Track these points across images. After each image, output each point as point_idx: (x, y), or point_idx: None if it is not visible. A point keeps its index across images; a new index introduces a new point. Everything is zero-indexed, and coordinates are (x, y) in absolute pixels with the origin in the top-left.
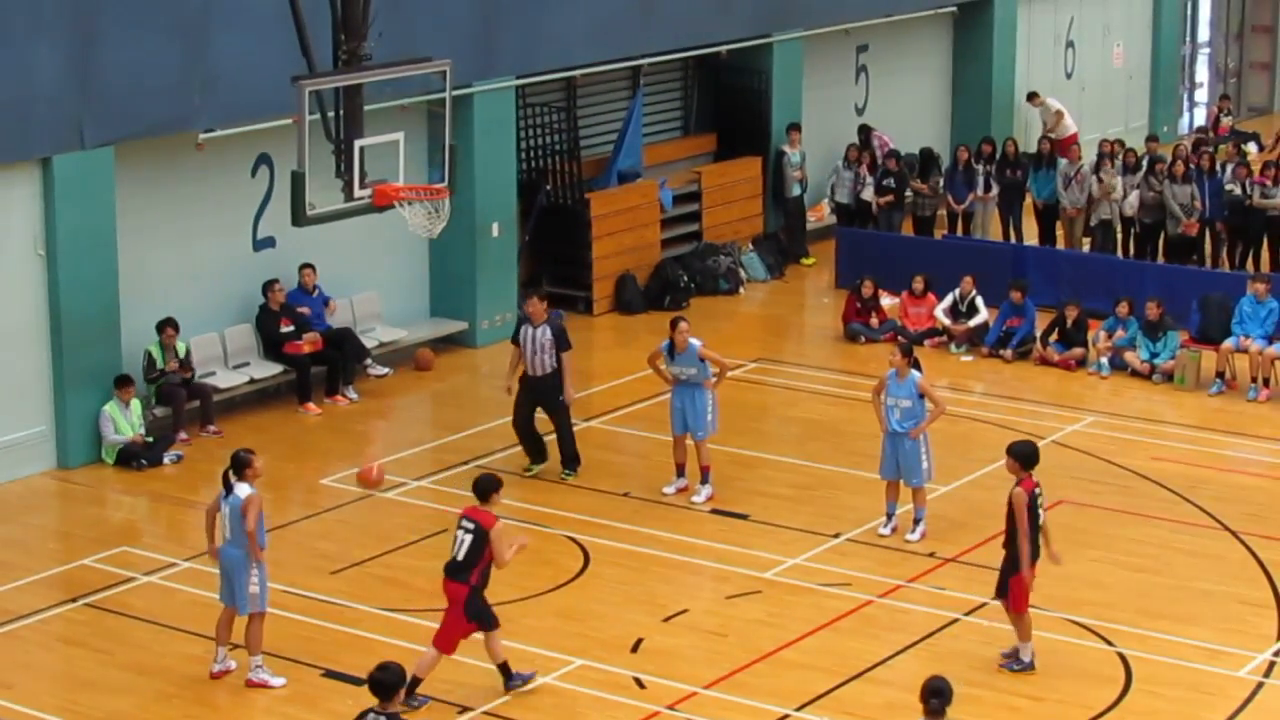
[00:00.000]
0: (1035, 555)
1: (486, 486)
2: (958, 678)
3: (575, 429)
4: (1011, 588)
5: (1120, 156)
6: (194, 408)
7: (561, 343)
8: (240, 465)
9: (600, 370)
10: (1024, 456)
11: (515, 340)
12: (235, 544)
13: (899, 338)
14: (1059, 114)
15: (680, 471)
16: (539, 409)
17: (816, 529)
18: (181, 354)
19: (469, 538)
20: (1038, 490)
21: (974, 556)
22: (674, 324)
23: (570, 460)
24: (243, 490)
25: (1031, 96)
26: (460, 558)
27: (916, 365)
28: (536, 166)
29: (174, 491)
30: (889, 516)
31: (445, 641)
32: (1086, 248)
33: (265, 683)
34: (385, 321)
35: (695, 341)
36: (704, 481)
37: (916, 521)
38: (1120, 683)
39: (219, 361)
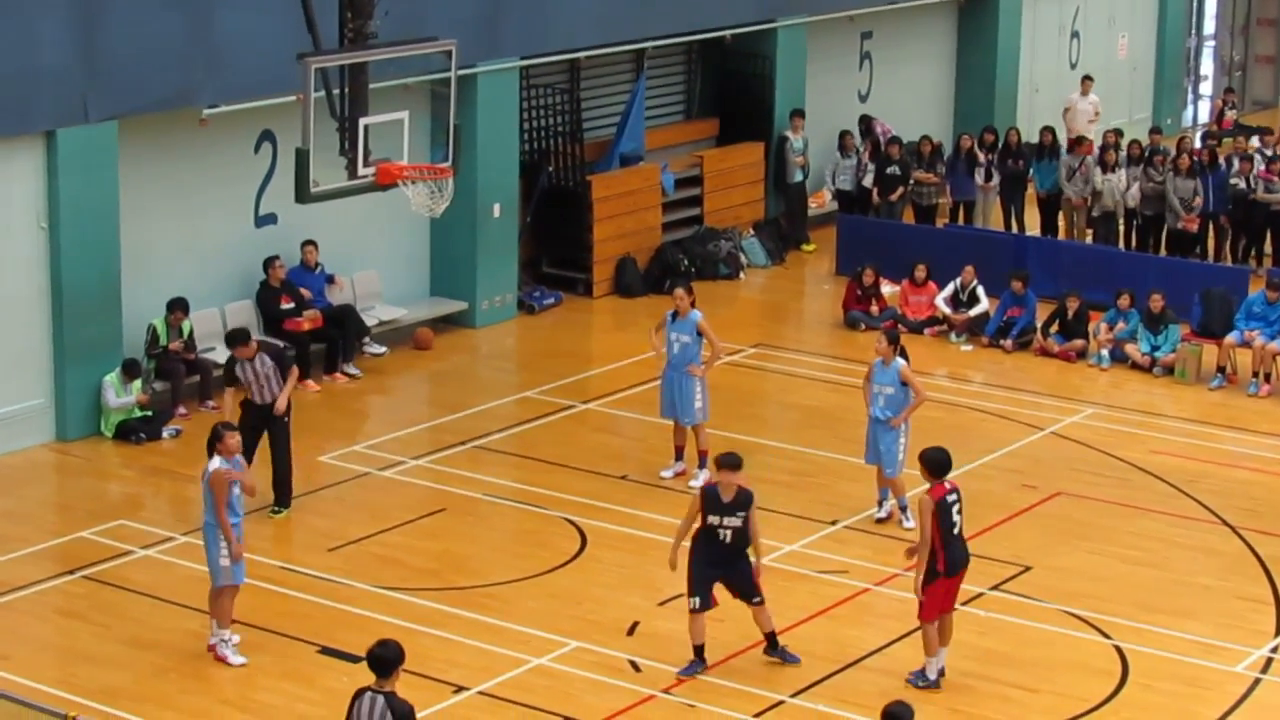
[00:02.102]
0: (958, 564)
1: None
2: (954, 668)
3: (574, 411)
4: (924, 597)
5: (1125, 148)
6: (193, 383)
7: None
8: (212, 439)
9: (599, 353)
10: (932, 464)
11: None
12: (207, 514)
13: (885, 326)
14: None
15: (679, 455)
16: None
17: (814, 516)
18: (186, 334)
19: None
20: (950, 497)
21: (971, 547)
22: (672, 289)
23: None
24: (211, 464)
25: (1086, 80)
26: None
27: (903, 353)
28: (539, 148)
29: (172, 466)
30: (880, 503)
31: None
32: (1088, 239)
33: (224, 658)
34: (385, 300)
35: (697, 312)
36: (701, 466)
37: (904, 509)
38: (1116, 676)
39: (218, 337)
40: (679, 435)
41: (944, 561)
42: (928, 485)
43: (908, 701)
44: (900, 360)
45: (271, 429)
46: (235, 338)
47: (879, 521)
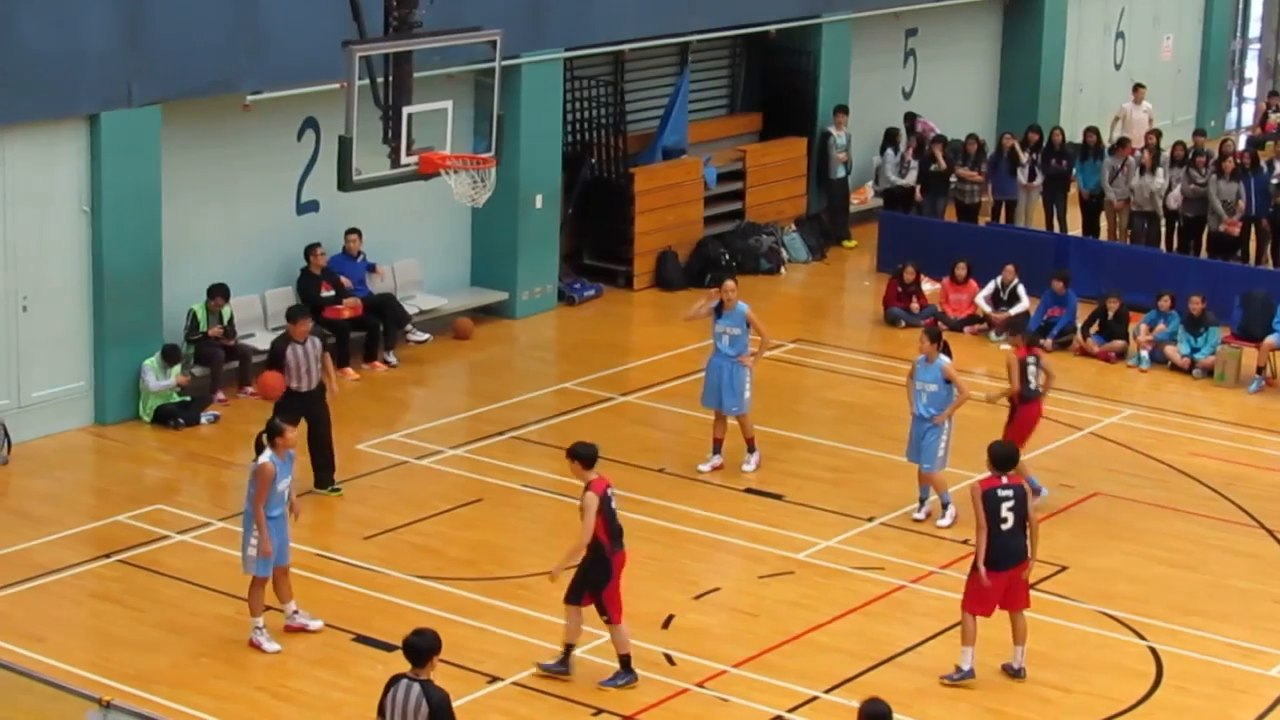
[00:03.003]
0: (1002, 561)
1: None
2: (989, 666)
3: (612, 403)
4: (965, 584)
5: (1169, 150)
6: (232, 368)
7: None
8: (270, 433)
9: (639, 346)
10: (995, 457)
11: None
12: (247, 503)
13: (926, 324)
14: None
15: (717, 448)
16: None
17: (851, 512)
18: (225, 320)
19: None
20: (1003, 491)
21: None
22: (720, 282)
23: None
24: (262, 457)
25: (1138, 88)
26: None
27: (946, 351)
28: (581, 140)
29: (210, 451)
30: (921, 501)
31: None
32: (1129, 240)
33: (259, 645)
34: (425, 289)
35: (743, 304)
36: (750, 450)
37: (945, 506)
38: (1151, 678)
39: (259, 323)
40: (719, 428)
41: (984, 555)
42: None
43: (882, 699)
44: (943, 358)
45: (318, 413)
46: (297, 312)
47: (917, 521)
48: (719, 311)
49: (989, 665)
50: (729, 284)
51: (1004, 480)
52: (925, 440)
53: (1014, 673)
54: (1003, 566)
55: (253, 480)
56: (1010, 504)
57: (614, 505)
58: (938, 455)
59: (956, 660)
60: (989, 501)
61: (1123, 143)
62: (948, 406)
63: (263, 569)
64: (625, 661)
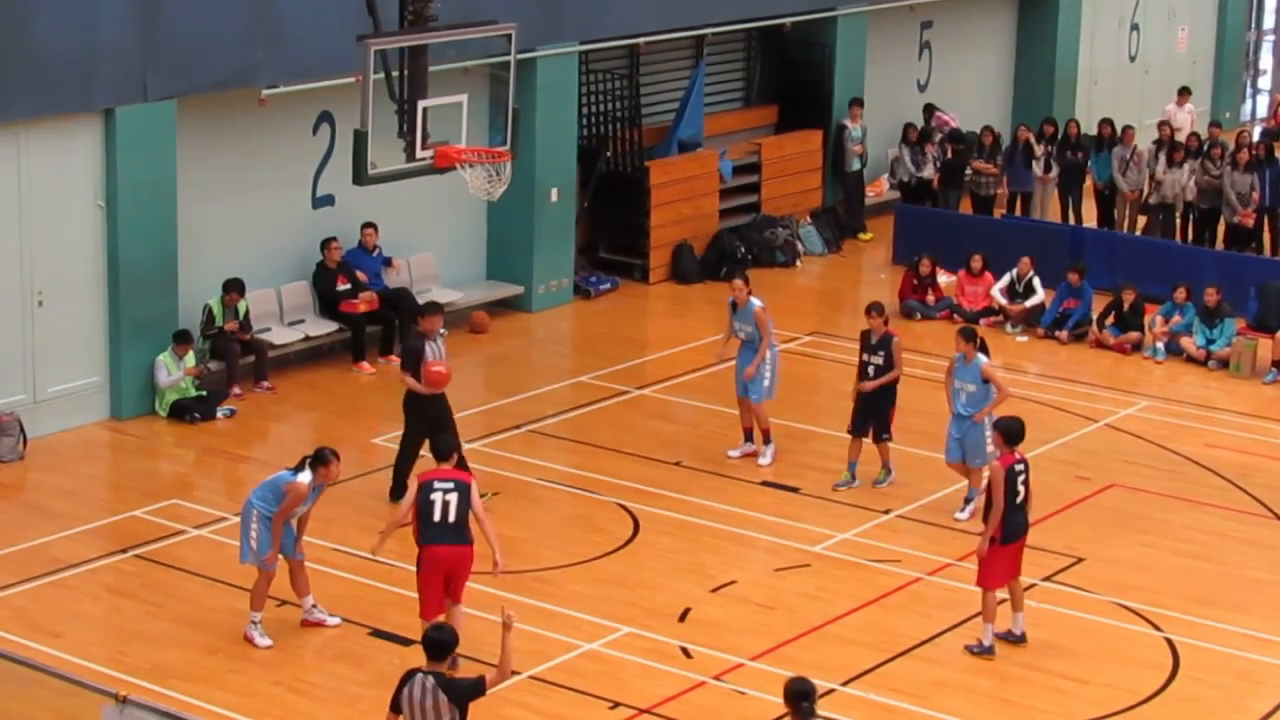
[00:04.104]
0: (1015, 534)
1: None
2: (1004, 658)
3: (628, 396)
4: (979, 561)
5: (1186, 141)
6: (248, 363)
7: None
8: (317, 460)
9: (655, 339)
10: (1007, 432)
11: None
12: (255, 497)
13: (956, 318)
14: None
15: (748, 436)
16: None
17: (867, 505)
18: (241, 315)
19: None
20: (1018, 466)
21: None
22: (729, 276)
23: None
24: (301, 477)
25: (1183, 92)
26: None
27: (984, 349)
28: (597, 133)
29: (226, 446)
30: (967, 501)
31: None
32: (1143, 232)
33: (252, 639)
34: (441, 283)
35: (756, 301)
36: (766, 442)
37: (967, 501)
38: (1167, 669)
39: (274, 318)
40: (746, 416)
41: (1000, 529)
42: (999, 454)
43: (806, 677)
44: (981, 357)
45: (445, 417)
46: (429, 308)
47: (959, 520)
48: (735, 308)
49: (1007, 657)
50: (737, 283)
51: (1017, 455)
52: (969, 439)
53: (1015, 639)
54: (1016, 538)
55: (281, 492)
56: (1023, 477)
57: (431, 496)
58: (987, 451)
59: (981, 637)
60: (1010, 478)
61: (1126, 129)
62: (986, 405)
63: (263, 563)
64: None
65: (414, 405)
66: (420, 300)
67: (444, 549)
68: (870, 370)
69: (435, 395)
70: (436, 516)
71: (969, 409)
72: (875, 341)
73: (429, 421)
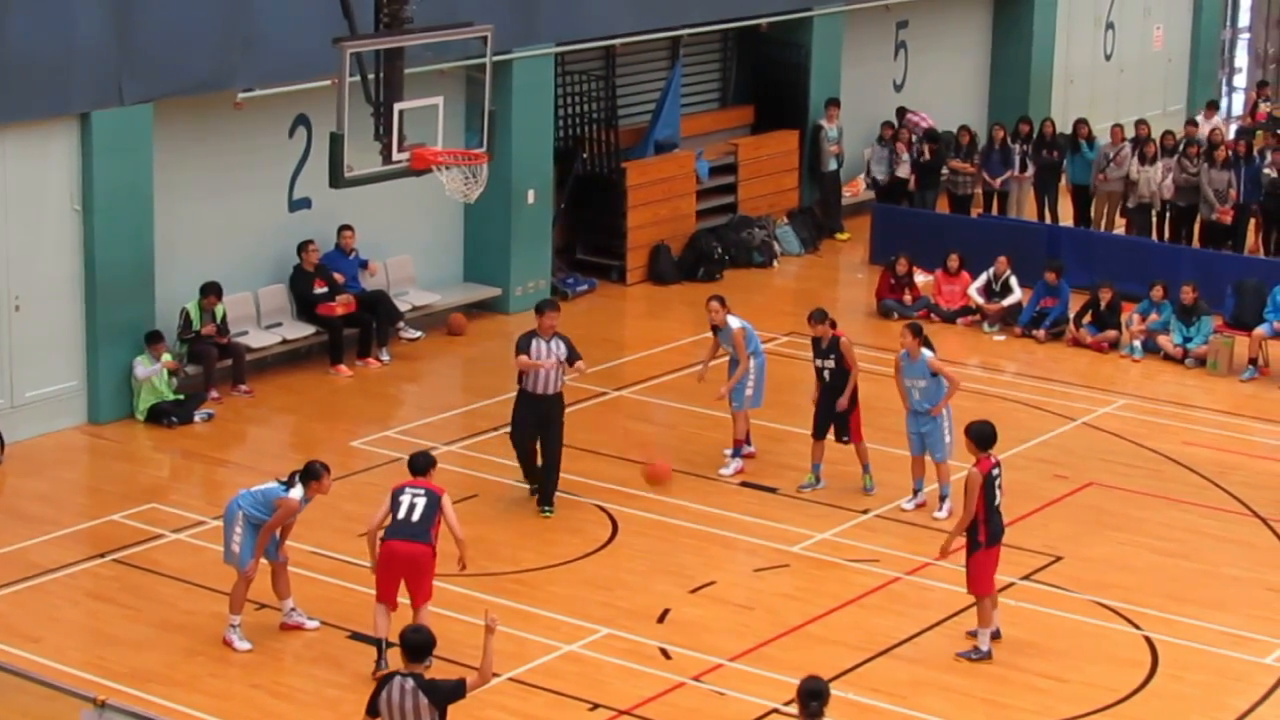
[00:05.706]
0: (998, 535)
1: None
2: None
3: (606, 398)
4: (968, 569)
5: (1159, 139)
6: (225, 367)
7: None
8: (308, 475)
9: (632, 340)
10: (980, 437)
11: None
12: (243, 501)
13: (917, 316)
14: None
15: (748, 442)
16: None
17: (845, 504)
18: (219, 318)
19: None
20: (995, 471)
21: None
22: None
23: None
24: (293, 493)
25: (1210, 104)
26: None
27: (928, 344)
28: (573, 134)
29: (204, 450)
30: (915, 492)
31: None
32: (1121, 230)
33: (231, 642)
34: (418, 285)
35: (734, 321)
36: (735, 453)
37: (943, 499)
38: (1146, 666)
39: (252, 321)
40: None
41: (985, 533)
42: (974, 459)
43: (820, 677)
44: (926, 351)
45: (552, 424)
46: (547, 305)
47: (904, 511)
48: (715, 329)
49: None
50: (713, 304)
51: (993, 459)
52: (929, 433)
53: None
54: (998, 541)
55: (273, 506)
56: (999, 481)
57: (400, 498)
58: (945, 443)
59: (977, 644)
60: (988, 484)
61: (1113, 129)
62: (940, 399)
63: (243, 565)
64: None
65: (517, 407)
66: (399, 304)
67: (400, 544)
68: (825, 375)
69: (545, 395)
70: (401, 514)
71: (924, 404)
72: (825, 346)
73: (537, 420)
